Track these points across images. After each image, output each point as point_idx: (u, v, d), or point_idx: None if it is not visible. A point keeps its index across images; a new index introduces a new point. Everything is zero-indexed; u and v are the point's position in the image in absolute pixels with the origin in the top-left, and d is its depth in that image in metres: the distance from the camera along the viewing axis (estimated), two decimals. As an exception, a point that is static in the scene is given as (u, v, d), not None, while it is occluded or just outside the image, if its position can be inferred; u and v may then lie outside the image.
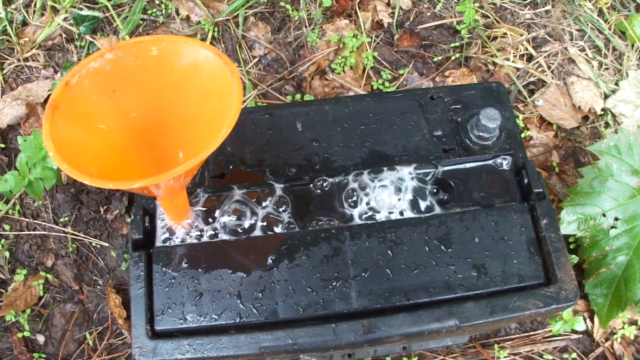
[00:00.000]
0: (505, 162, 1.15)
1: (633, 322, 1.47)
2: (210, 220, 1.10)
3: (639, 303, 1.38)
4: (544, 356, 1.43)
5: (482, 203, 1.12)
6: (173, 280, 1.05)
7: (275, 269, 1.04)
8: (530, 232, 1.08)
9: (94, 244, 1.54)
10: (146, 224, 1.09)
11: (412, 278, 1.03)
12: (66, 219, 1.56)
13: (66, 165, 0.81)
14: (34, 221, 1.56)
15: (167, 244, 1.09)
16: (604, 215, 1.41)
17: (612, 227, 1.41)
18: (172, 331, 1.03)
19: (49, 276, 1.51)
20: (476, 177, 1.14)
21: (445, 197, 1.13)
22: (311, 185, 1.13)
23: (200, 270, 1.05)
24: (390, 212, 1.11)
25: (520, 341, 1.45)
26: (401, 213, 1.11)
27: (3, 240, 1.54)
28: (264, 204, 1.11)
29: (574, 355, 1.44)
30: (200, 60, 0.94)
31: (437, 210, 1.11)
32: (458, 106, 1.20)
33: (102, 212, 1.57)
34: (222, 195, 1.13)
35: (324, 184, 1.13)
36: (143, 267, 1.06)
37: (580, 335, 1.46)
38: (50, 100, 0.88)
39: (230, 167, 1.14)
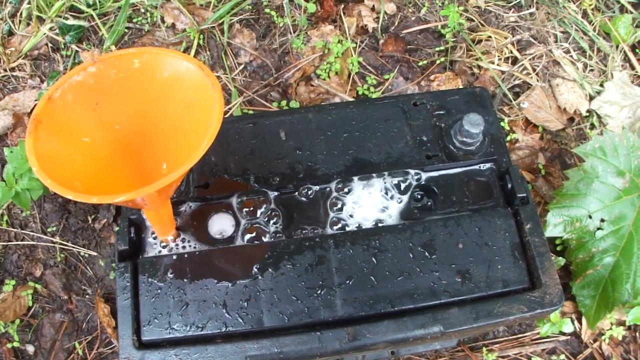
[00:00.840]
0: (488, 168, 1.16)
1: (621, 323, 1.48)
2: (195, 231, 1.11)
3: (626, 304, 1.39)
4: (533, 358, 1.44)
5: (466, 208, 1.12)
6: (159, 291, 1.05)
7: (260, 277, 1.05)
8: (514, 237, 1.09)
9: (82, 254, 1.54)
10: (132, 235, 1.09)
11: (396, 285, 1.04)
12: (54, 228, 1.56)
13: (49, 180, 0.82)
14: (22, 231, 1.56)
15: (153, 254, 1.09)
16: (590, 217, 1.42)
17: (598, 229, 1.42)
18: (159, 341, 1.03)
19: (38, 286, 1.51)
20: (460, 183, 1.15)
21: (429, 203, 1.14)
22: (296, 193, 1.13)
23: (185, 280, 1.05)
24: (373, 220, 1.11)
25: (508, 344, 1.46)
26: (384, 220, 1.11)
27: (-9, 251, 1.54)
28: (248, 213, 1.12)
29: (563, 357, 1.45)
30: (181, 72, 0.94)
31: (421, 216, 1.12)
32: (441, 112, 1.20)
33: (90, 222, 1.57)
34: (208, 204, 1.13)
35: (309, 192, 1.13)
36: (129, 277, 1.06)
37: (569, 337, 1.47)
38: (33, 115, 0.89)
39: (215, 176, 1.14)
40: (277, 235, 1.10)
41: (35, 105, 1.66)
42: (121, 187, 0.96)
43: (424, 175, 1.15)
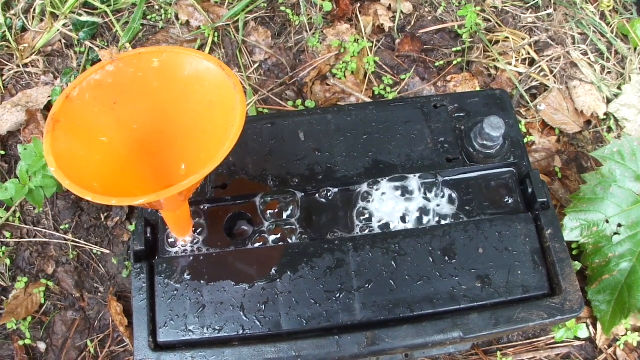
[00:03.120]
0: (508, 171, 1.15)
1: (636, 329, 1.46)
2: (212, 232, 1.10)
3: (643, 310, 1.38)
4: (547, 363, 1.43)
5: (486, 212, 1.11)
6: (175, 292, 1.04)
7: (278, 280, 1.04)
8: (534, 242, 1.08)
9: (94, 251, 1.54)
10: (148, 235, 1.08)
11: (415, 289, 1.03)
12: (67, 226, 1.55)
13: (68, 181, 0.81)
14: (35, 228, 1.56)
15: (169, 255, 1.09)
16: (607, 221, 1.40)
17: (615, 234, 1.40)
18: (175, 343, 1.02)
19: (50, 283, 1.50)
20: (480, 187, 1.14)
21: (450, 207, 1.12)
22: (316, 195, 1.12)
23: (202, 281, 1.05)
24: (393, 223, 1.10)
25: (522, 348, 1.44)
26: (405, 223, 1.10)
27: (4, 248, 1.53)
28: (266, 215, 1.11)
29: (577, 362, 1.44)
30: (202, 72, 0.93)
31: (441, 220, 1.11)
32: (461, 114, 1.19)
33: (102, 219, 1.56)
34: (225, 205, 1.12)
35: (329, 194, 1.12)
36: (145, 278, 1.05)
37: (583, 342, 1.46)
38: (51, 115, 0.88)
39: (233, 177, 1.13)
40: (297, 237, 1.09)
41: (48, 102, 1.66)
42: (139, 188, 0.95)
43: (445, 179, 1.13)
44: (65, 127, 0.88)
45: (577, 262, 1.45)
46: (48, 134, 0.86)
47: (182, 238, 1.08)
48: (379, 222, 1.10)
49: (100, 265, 1.53)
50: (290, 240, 1.09)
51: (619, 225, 1.40)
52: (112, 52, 1.71)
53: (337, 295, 1.02)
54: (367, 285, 1.03)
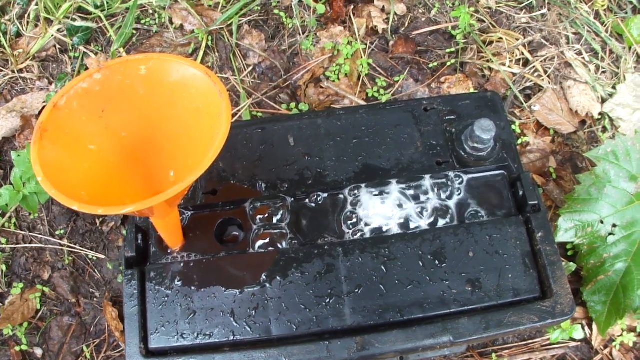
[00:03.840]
0: (499, 174, 1.15)
1: (632, 329, 1.46)
2: (203, 238, 1.10)
3: (638, 310, 1.37)
4: (543, 364, 1.43)
5: (477, 216, 1.11)
6: (166, 298, 1.04)
7: (268, 286, 1.04)
8: (525, 246, 1.08)
9: (90, 257, 1.54)
10: (139, 242, 1.08)
11: (406, 294, 1.03)
12: (62, 231, 1.56)
13: (55, 190, 0.81)
14: (30, 234, 1.56)
15: (160, 261, 1.09)
16: (601, 222, 1.40)
17: (610, 234, 1.40)
18: (166, 349, 1.03)
19: (46, 289, 1.51)
20: (470, 190, 1.13)
21: (439, 211, 1.12)
22: (306, 200, 1.12)
23: (193, 288, 1.05)
24: (383, 227, 1.10)
25: (518, 350, 1.44)
26: (394, 228, 1.10)
27: (0, 254, 1.54)
28: (256, 220, 1.11)
29: (573, 362, 1.44)
30: (188, 79, 0.93)
31: (430, 224, 1.11)
32: (452, 117, 1.19)
33: (98, 225, 1.56)
34: (216, 211, 1.12)
35: (318, 199, 1.12)
36: (136, 285, 1.06)
37: (579, 343, 1.45)
38: (39, 124, 0.88)
39: (223, 183, 1.13)
40: (287, 242, 1.09)
41: (43, 107, 1.66)
42: (128, 195, 0.95)
43: (435, 182, 1.13)
44: (52, 136, 0.88)
45: (572, 263, 1.44)
46: (35, 143, 0.86)
47: (175, 248, 1.09)
48: (368, 226, 1.10)
49: (96, 271, 1.53)
50: (280, 246, 1.09)
51: (614, 226, 1.40)
52: (99, 59, 1.71)
53: (327, 300, 1.03)
54: (357, 290, 1.03)
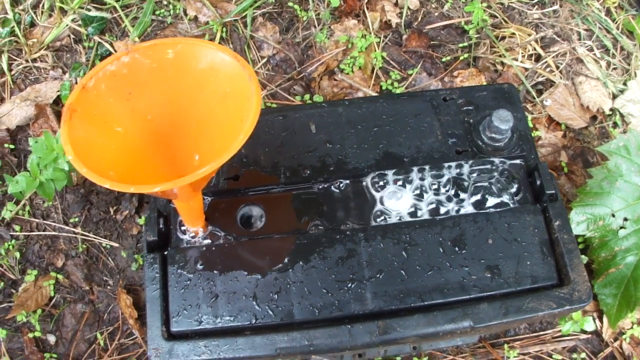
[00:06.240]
0: (517, 164, 1.16)
1: (642, 322, 1.48)
2: (225, 222, 1.11)
3: (648, 303, 1.38)
4: (553, 356, 1.44)
5: (495, 204, 1.12)
6: (188, 282, 1.05)
7: (290, 270, 1.05)
8: (543, 234, 1.09)
9: (104, 245, 1.55)
10: (160, 226, 1.09)
11: (426, 279, 1.04)
12: (76, 219, 1.56)
13: (86, 169, 0.81)
14: (44, 222, 1.57)
15: (182, 245, 1.10)
16: (613, 215, 1.41)
17: (621, 228, 1.41)
18: (188, 332, 1.03)
19: (60, 276, 1.51)
20: (489, 178, 1.14)
21: (459, 198, 1.13)
22: (327, 186, 1.13)
23: (215, 271, 1.06)
24: (405, 214, 1.11)
25: (529, 341, 1.45)
26: (415, 214, 1.11)
27: (13, 241, 1.54)
28: (278, 206, 1.12)
29: (583, 355, 1.45)
30: (216, 63, 0.94)
31: (451, 211, 1.12)
32: (470, 107, 1.20)
33: (111, 213, 1.57)
34: (238, 197, 1.13)
35: (340, 185, 1.13)
36: (158, 268, 1.06)
37: (590, 335, 1.47)
38: (68, 104, 0.88)
39: (244, 168, 1.14)
40: (309, 228, 1.10)
41: (57, 96, 1.67)
42: (153, 178, 0.96)
43: (455, 171, 1.14)
44: (81, 117, 0.89)
45: (583, 256, 1.45)
46: (65, 123, 0.86)
47: (195, 229, 1.09)
48: (391, 212, 1.11)
49: (110, 259, 1.54)
50: (303, 231, 1.09)
51: (625, 219, 1.41)
52: (127, 43, 1.72)
53: (349, 285, 1.03)
54: (378, 275, 1.04)
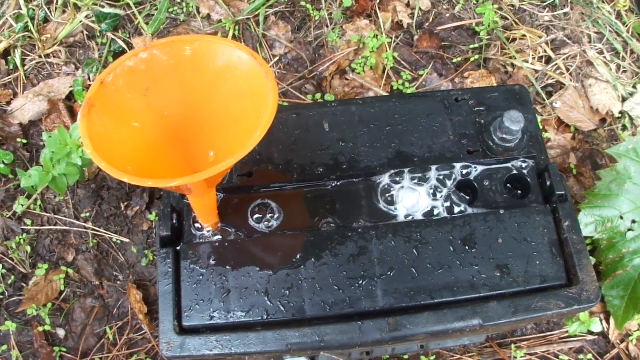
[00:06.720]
0: (527, 165, 1.16)
1: (649, 325, 1.48)
2: (238, 219, 1.12)
3: (655, 305, 1.39)
4: (560, 357, 1.44)
5: (505, 204, 1.13)
6: (201, 277, 1.06)
7: (302, 267, 1.06)
8: (552, 234, 1.09)
9: (114, 240, 1.56)
10: (174, 222, 1.10)
11: (437, 277, 1.05)
12: (87, 214, 1.57)
13: (105, 163, 0.83)
14: (55, 216, 1.58)
15: (195, 241, 1.10)
16: (621, 217, 1.42)
17: (629, 230, 1.42)
18: (200, 327, 1.04)
19: (70, 271, 1.53)
20: (500, 179, 1.15)
21: (470, 198, 1.14)
22: (341, 184, 1.14)
23: (228, 267, 1.06)
24: (417, 213, 1.12)
25: (536, 341, 1.46)
26: (427, 213, 1.12)
27: (25, 235, 1.55)
28: (291, 203, 1.13)
29: (590, 356, 1.45)
30: (233, 61, 0.95)
31: (462, 211, 1.12)
32: (481, 108, 1.21)
33: (122, 208, 1.58)
34: (251, 193, 1.14)
35: (353, 184, 1.14)
36: (171, 263, 1.07)
37: (596, 337, 1.47)
38: (87, 99, 0.89)
39: (258, 165, 1.15)
40: (322, 225, 1.11)
41: (70, 92, 1.68)
42: (169, 173, 0.97)
43: (466, 171, 1.15)
44: (99, 112, 0.90)
45: (591, 258, 1.46)
46: (84, 117, 0.88)
47: (208, 225, 1.10)
48: (402, 211, 1.12)
49: (120, 254, 1.55)
50: (315, 228, 1.10)
51: (633, 222, 1.42)
52: (145, 39, 1.73)
53: (360, 282, 1.04)
54: (389, 273, 1.05)
